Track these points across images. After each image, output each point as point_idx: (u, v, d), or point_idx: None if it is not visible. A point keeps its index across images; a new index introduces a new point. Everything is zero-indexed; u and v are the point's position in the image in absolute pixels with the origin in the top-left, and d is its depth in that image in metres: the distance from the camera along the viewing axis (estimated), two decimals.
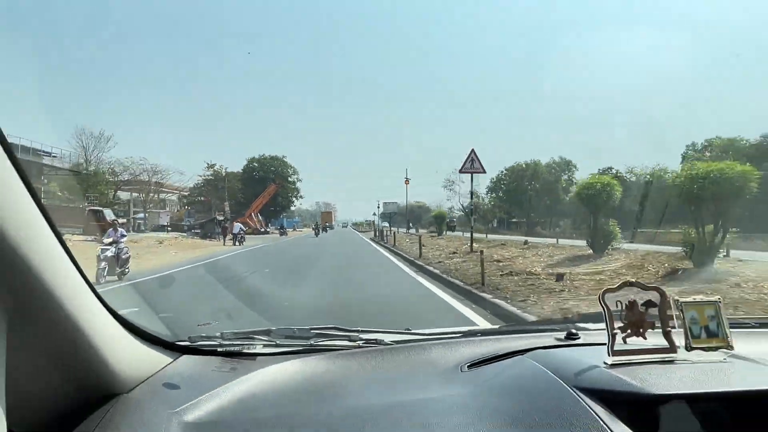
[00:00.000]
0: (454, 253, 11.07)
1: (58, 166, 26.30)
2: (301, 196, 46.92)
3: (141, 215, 31.39)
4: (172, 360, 0.74)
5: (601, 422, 0.51)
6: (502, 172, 38.70)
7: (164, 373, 0.70)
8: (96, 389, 0.62)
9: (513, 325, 1.00)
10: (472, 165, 11.57)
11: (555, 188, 35.63)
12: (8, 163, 0.50)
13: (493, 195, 40.08)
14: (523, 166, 37.59)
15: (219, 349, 0.80)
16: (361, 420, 0.58)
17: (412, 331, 0.92)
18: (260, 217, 35.57)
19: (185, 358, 0.76)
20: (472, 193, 14.41)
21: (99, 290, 0.63)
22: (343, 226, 70.23)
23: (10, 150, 0.50)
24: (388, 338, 0.88)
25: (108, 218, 14.79)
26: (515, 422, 0.54)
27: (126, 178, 29.42)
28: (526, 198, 35.77)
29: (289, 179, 44.79)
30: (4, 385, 0.49)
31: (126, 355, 0.64)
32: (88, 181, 25.05)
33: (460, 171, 12.49)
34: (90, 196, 24.11)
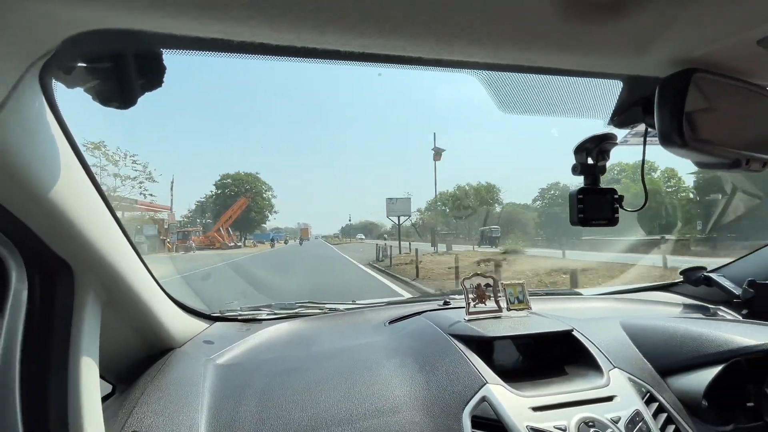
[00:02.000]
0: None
1: None
2: (275, 212, 47.51)
3: None
4: (208, 326, 1.14)
5: (462, 353, 0.95)
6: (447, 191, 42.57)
7: (204, 334, 1.09)
8: (159, 346, 0.99)
9: (416, 297, 1.52)
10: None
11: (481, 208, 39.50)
12: (88, 181, 0.64)
13: (432, 211, 43.11)
14: (465, 188, 40.81)
15: (239, 317, 1.21)
16: (325, 357, 0.99)
17: (357, 302, 1.39)
18: (231, 232, 35.02)
19: (218, 324, 1.16)
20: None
21: None
22: (315, 238, 78.00)
23: (88, 168, 0.63)
24: (342, 307, 1.33)
25: None
26: (414, 354, 0.97)
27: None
28: (463, 214, 39.08)
29: (264, 194, 45.50)
30: (98, 347, 0.72)
31: (179, 323, 1.03)
32: None
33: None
34: None
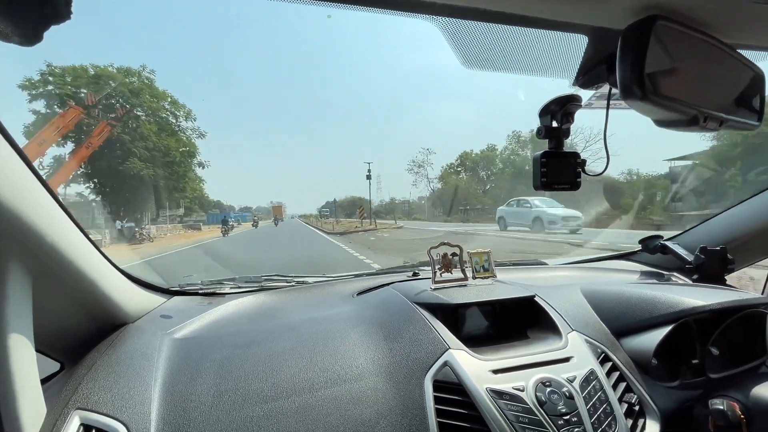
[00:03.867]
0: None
1: None
2: (206, 163, 28.18)
3: None
4: (166, 300, 1.08)
5: (427, 320, 0.95)
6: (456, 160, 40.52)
7: (161, 309, 1.04)
8: (110, 321, 0.94)
9: (386, 269, 1.49)
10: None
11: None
12: (15, 156, 0.60)
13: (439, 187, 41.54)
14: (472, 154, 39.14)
15: (200, 291, 1.16)
16: (289, 328, 0.97)
17: (326, 275, 1.36)
18: None
19: (176, 298, 1.11)
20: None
21: None
22: (291, 218, 73.58)
23: (11, 140, 0.59)
24: (311, 280, 1.30)
25: None
26: (381, 322, 0.96)
27: None
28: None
29: (163, 115, 24.97)
30: (31, 321, 0.66)
31: (129, 296, 0.97)
32: None
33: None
34: None
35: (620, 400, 0.83)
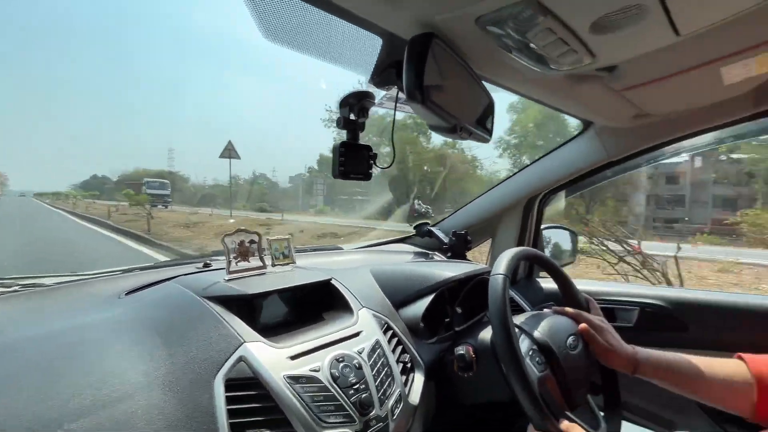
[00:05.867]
0: None
1: None
2: None
3: None
4: None
5: (219, 316, 0.84)
6: None
7: None
8: None
9: (169, 261, 1.28)
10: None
11: None
12: None
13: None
14: None
15: None
16: (8, 350, 0.69)
17: (77, 273, 1.04)
18: None
19: None
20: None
21: None
22: (20, 196, 48.57)
23: None
24: (49, 281, 0.96)
25: None
26: (156, 326, 0.80)
27: None
28: None
29: None
30: None
31: None
32: None
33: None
34: None
35: (398, 361, 0.98)
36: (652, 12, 0.48)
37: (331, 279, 1.04)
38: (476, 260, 1.53)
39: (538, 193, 1.44)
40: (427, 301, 1.08)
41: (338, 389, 0.80)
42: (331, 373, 0.81)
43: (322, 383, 0.79)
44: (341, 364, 0.84)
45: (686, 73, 0.80)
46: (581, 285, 1.47)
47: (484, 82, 0.84)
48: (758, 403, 0.81)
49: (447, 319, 1.19)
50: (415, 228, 1.65)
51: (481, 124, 0.81)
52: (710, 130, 1.12)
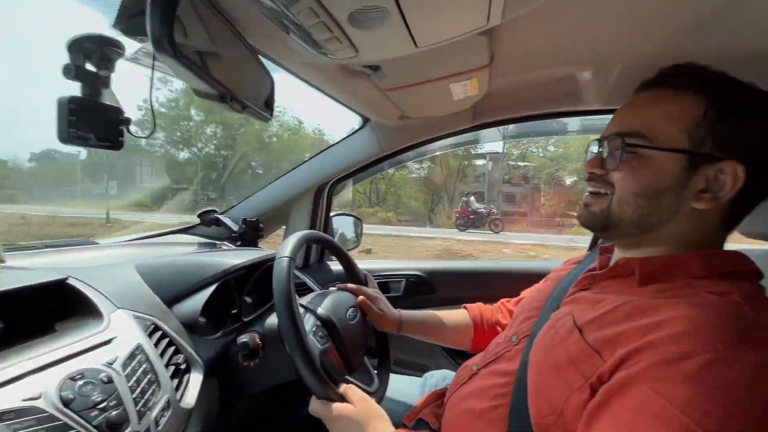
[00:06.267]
0: None
1: None
2: None
3: None
4: None
5: None
6: None
7: None
8: None
9: None
10: None
11: None
12: None
13: None
14: None
15: None
16: None
17: None
18: None
19: None
20: None
21: None
22: None
23: None
24: None
25: None
26: None
27: None
28: None
29: None
30: None
31: None
32: None
33: None
34: None
35: (168, 364, 0.85)
36: (393, 19, 0.57)
37: (66, 279, 0.81)
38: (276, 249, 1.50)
39: (326, 181, 1.52)
40: (206, 293, 0.99)
41: (72, 414, 0.63)
42: (61, 397, 0.63)
43: (47, 412, 0.60)
44: (79, 383, 0.66)
45: (429, 84, 1.00)
46: (363, 264, 1.65)
47: (262, 58, 0.81)
48: (474, 338, 1.10)
49: (234, 311, 1.12)
50: (199, 216, 1.48)
51: (259, 99, 0.78)
52: (453, 135, 1.44)
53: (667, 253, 0.62)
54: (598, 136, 0.69)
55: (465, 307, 1.16)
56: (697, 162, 0.58)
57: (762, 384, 0.43)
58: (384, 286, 1.59)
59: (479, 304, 1.16)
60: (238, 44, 0.65)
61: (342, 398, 0.76)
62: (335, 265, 1.67)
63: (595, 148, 0.69)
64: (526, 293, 1.04)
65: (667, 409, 0.44)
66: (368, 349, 1.09)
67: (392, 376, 1.16)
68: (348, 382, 0.87)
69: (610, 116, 0.68)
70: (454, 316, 1.14)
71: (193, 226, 1.57)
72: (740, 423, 0.41)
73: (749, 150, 0.57)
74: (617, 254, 0.72)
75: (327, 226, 1.67)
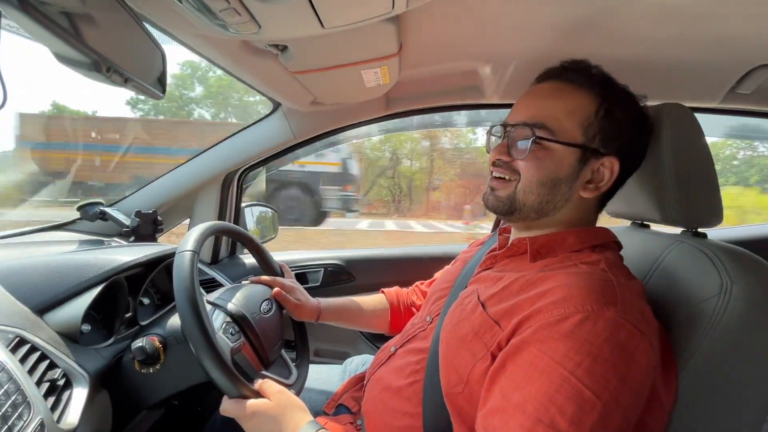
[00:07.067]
0: None
1: None
2: None
3: None
4: None
5: None
6: None
7: None
8: None
9: None
10: None
11: None
12: None
13: None
14: None
15: None
16: None
17: None
18: None
19: None
20: None
21: None
22: None
23: None
24: None
25: None
26: None
27: None
28: None
29: None
30: None
31: None
32: None
33: None
34: None
35: (41, 381, 0.73)
36: None
37: None
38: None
39: (235, 169, 1.42)
40: (89, 297, 0.86)
41: None
42: None
43: None
44: None
45: (341, 69, 0.98)
46: (278, 256, 1.59)
47: (151, 27, 0.72)
48: (392, 321, 1.14)
49: (128, 315, 1.00)
50: (80, 210, 1.27)
51: (149, 74, 0.69)
52: (368, 123, 1.45)
53: (553, 231, 0.71)
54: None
55: (382, 291, 1.18)
56: (588, 156, 0.67)
57: (618, 333, 0.51)
58: (302, 277, 1.55)
59: (396, 288, 1.20)
60: (119, 8, 0.56)
61: (258, 395, 0.73)
62: (248, 259, 1.58)
63: (499, 133, 0.75)
64: (438, 275, 1.10)
65: (549, 365, 0.50)
66: (287, 342, 1.06)
67: (313, 366, 1.14)
68: (264, 377, 0.83)
69: (508, 110, 0.75)
70: (372, 300, 1.16)
71: (73, 222, 1.34)
72: (603, 368, 0.49)
73: (623, 147, 0.68)
74: (514, 234, 0.80)
75: (238, 218, 1.57)
